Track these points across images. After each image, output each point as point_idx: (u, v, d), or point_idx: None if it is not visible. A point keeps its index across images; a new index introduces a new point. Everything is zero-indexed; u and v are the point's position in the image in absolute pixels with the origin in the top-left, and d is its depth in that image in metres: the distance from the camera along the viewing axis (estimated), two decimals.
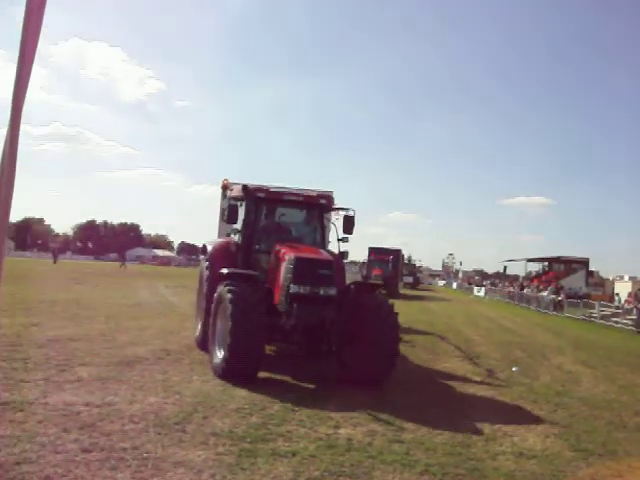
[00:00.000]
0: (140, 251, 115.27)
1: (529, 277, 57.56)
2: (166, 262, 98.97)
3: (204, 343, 10.40)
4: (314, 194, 11.53)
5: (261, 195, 10.68)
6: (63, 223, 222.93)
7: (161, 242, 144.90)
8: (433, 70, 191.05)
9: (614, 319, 31.33)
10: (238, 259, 10.55)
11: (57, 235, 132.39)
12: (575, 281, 50.40)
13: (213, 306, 9.51)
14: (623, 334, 26.56)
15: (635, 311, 29.55)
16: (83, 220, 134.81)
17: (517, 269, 63.06)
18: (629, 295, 36.24)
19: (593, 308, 34.03)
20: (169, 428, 6.30)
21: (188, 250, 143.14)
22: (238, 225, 10.90)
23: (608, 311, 33.58)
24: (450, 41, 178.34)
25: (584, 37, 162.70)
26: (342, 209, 11.27)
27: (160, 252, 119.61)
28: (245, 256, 10.51)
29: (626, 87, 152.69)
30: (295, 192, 11.38)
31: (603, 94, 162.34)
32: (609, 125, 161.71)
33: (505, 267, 63.33)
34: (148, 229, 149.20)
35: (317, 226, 11.45)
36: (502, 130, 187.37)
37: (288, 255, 9.40)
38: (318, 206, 11.30)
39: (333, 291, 9.25)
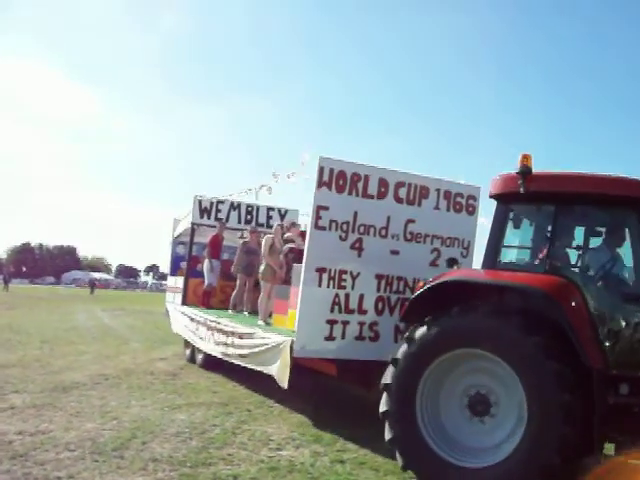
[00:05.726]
0: (77, 274, 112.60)
1: None
2: (104, 285, 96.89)
3: None
4: None
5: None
6: None
7: (99, 265, 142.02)
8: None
9: None
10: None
11: None
12: None
13: None
14: None
15: None
16: (17, 243, 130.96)
17: None
18: None
19: None
20: (106, 455, 6.12)
21: (126, 273, 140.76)
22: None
23: None
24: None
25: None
26: None
27: (98, 275, 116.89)
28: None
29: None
30: None
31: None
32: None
33: None
34: (85, 252, 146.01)
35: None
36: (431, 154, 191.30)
37: None
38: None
39: None
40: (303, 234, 10.75)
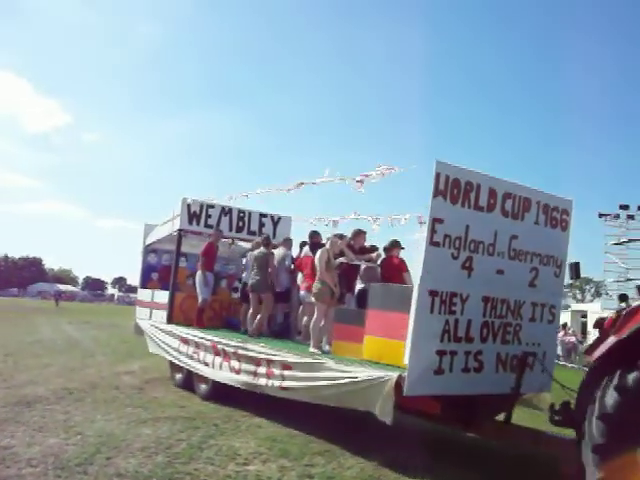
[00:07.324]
0: (42, 286, 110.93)
1: None
2: (70, 297, 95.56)
3: None
4: None
5: None
6: None
7: (65, 277, 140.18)
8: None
9: None
10: None
11: None
12: None
13: None
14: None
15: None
16: None
17: None
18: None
19: None
20: (70, 470, 6.02)
21: (93, 285, 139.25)
22: None
23: None
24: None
25: None
26: None
27: (63, 287, 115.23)
28: None
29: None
30: None
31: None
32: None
33: None
34: (52, 263, 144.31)
35: None
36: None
37: None
38: None
39: None
40: (349, 246, 10.10)
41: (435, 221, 6.68)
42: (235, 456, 7.09)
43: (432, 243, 6.66)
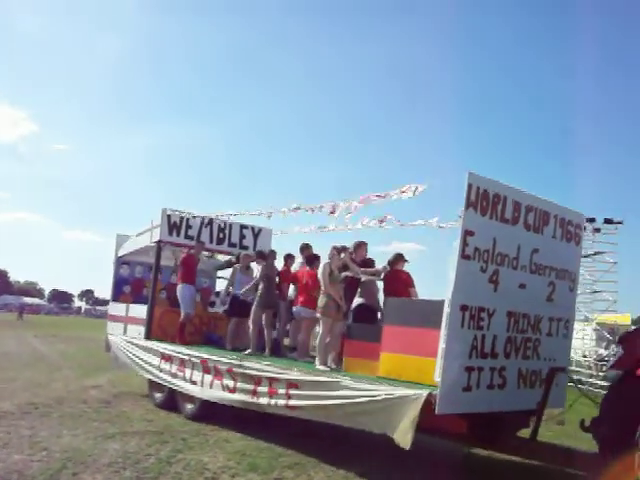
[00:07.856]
0: (7, 299, 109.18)
1: None
2: (35, 310, 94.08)
3: None
4: None
5: None
6: None
7: (31, 289, 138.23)
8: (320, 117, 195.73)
9: None
10: None
11: None
12: None
13: None
14: None
15: None
16: None
17: None
18: None
19: None
20: None
21: (60, 297, 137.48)
22: None
23: None
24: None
25: None
26: None
27: (30, 300, 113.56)
28: None
29: None
30: None
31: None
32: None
33: None
34: (17, 275, 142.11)
35: None
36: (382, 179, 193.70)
37: None
38: None
39: None
40: (351, 259, 9.71)
41: (467, 234, 6.49)
42: (204, 470, 7.02)
43: (463, 256, 6.46)
